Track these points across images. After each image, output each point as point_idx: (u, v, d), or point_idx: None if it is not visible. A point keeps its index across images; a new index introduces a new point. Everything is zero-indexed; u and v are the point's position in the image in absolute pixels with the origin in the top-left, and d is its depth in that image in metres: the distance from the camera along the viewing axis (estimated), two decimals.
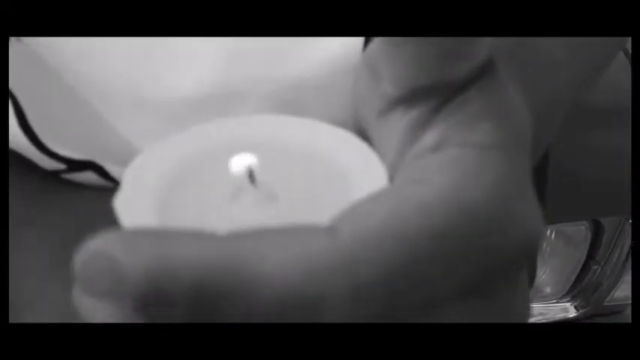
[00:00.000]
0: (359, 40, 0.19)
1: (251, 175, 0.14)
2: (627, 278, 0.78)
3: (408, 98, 0.13)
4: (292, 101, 0.20)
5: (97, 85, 0.20)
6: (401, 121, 0.14)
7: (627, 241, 0.73)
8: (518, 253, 0.12)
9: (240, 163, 0.14)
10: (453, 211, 0.11)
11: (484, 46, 0.13)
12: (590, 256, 0.77)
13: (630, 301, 0.88)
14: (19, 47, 0.20)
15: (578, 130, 0.71)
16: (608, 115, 0.69)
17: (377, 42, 0.14)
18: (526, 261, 0.13)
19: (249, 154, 0.15)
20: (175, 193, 0.14)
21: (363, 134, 0.15)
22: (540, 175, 0.37)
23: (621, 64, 0.68)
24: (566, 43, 0.23)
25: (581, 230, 0.75)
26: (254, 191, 0.14)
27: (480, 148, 0.12)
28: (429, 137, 0.13)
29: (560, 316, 0.83)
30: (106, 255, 0.10)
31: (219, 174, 0.14)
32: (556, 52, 0.23)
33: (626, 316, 0.90)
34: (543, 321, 0.83)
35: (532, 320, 0.86)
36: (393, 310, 0.11)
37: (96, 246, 0.10)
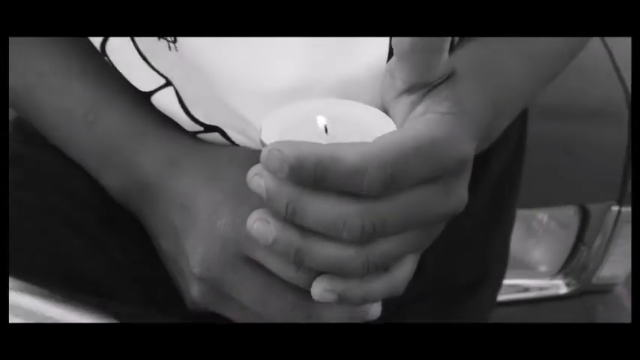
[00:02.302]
0: (385, 56, 0.32)
1: (325, 129, 0.27)
2: (611, 258, 0.88)
3: (409, 89, 0.26)
4: (342, 92, 0.32)
5: (224, 75, 0.32)
6: (405, 102, 0.26)
7: (610, 226, 0.83)
8: (457, 164, 0.25)
9: (320, 122, 0.27)
10: (427, 140, 0.24)
11: (449, 63, 0.26)
12: (579, 238, 0.86)
13: (616, 281, 0.97)
14: (173, 50, 0.32)
15: (573, 128, 0.82)
16: (598, 116, 0.79)
17: (393, 59, 0.27)
18: (463, 171, 0.25)
19: (325, 117, 0.27)
20: (286, 135, 0.26)
21: (385, 110, 0.28)
22: (518, 158, 0.48)
23: (608, 72, 0.78)
24: (523, 57, 0.35)
25: (571, 215, 0.84)
26: (326, 137, 0.27)
27: (443, 114, 0.25)
28: (419, 109, 0.25)
29: (552, 292, 0.93)
30: (277, 149, 0.23)
31: (309, 127, 0.27)
32: (513, 64, 0.35)
33: (616, 296, 0.99)
34: (538, 296, 0.94)
35: (528, 295, 0.96)
36: (393, 182, 0.23)
37: (272, 146, 0.23)
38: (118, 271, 0.33)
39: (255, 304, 0.28)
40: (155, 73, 0.33)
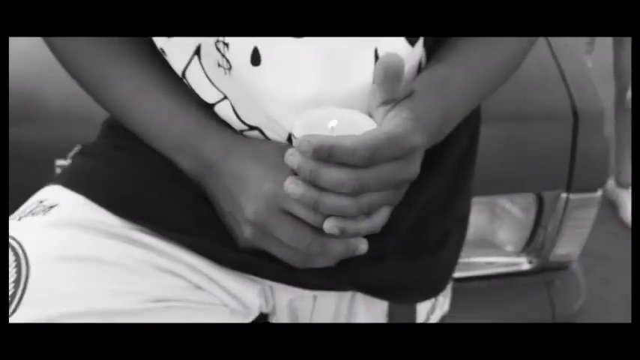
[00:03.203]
0: (370, 80, 0.47)
1: (332, 128, 0.43)
2: (564, 239, 1.01)
3: (384, 103, 0.42)
4: (343, 103, 0.47)
5: (262, 92, 0.45)
6: (383, 110, 0.42)
7: (561, 211, 0.96)
8: (411, 149, 0.40)
9: (330, 123, 0.43)
10: (393, 134, 0.39)
11: (410, 86, 0.42)
12: (537, 222, 0.99)
13: (570, 259, 1.11)
14: (228, 76, 0.48)
15: (529, 130, 0.96)
16: (548, 119, 0.95)
17: (373, 85, 0.43)
18: (415, 154, 0.41)
19: (332, 120, 0.43)
20: (308, 130, 0.42)
21: (370, 115, 0.44)
22: (472, 150, 0.62)
23: (558, 83, 0.94)
24: (467, 78, 0.50)
25: (530, 202, 0.97)
26: (331, 132, 0.43)
27: (404, 118, 0.41)
28: (390, 114, 0.41)
29: (517, 268, 1.04)
30: (306, 139, 0.38)
31: (321, 125, 0.43)
32: (459, 84, 0.50)
33: (571, 272, 1.12)
34: (505, 272, 1.07)
35: (497, 271, 1.10)
36: (373, 158, 0.38)
37: (303, 137, 0.39)
38: (203, 223, 0.49)
39: (288, 239, 0.43)
40: (217, 91, 0.48)
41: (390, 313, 0.60)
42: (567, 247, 1.03)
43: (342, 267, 0.49)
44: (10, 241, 0.42)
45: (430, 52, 0.50)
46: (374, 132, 0.40)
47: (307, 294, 0.54)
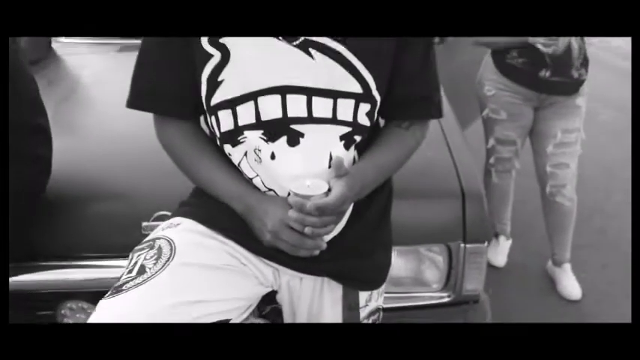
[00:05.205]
0: (328, 166, 0.99)
1: (308, 186, 0.95)
2: (469, 278, 1.37)
3: (335, 176, 0.94)
4: (315, 177, 0.97)
5: (276, 171, 0.95)
6: (334, 179, 0.94)
7: (462, 256, 1.35)
8: (345, 200, 0.91)
9: (306, 183, 0.95)
10: (339, 195, 0.90)
11: (347, 169, 0.95)
12: (450, 265, 1.38)
13: (477, 292, 1.48)
14: (259, 164, 1.00)
15: (435, 202, 1.40)
16: (446, 194, 1.42)
17: (330, 168, 0.96)
18: (346, 202, 0.92)
19: (309, 183, 0.95)
20: (298, 189, 0.94)
21: (328, 182, 0.96)
22: (388, 208, 1.12)
23: (450, 169, 1.43)
24: (374, 167, 1.03)
25: (442, 249, 1.38)
26: (308, 188, 0.95)
27: (342, 186, 0.91)
28: (337, 183, 0.92)
29: (440, 300, 1.42)
30: (298, 199, 0.90)
31: (304, 187, 0.95)
32: (369, 170, 1.03)
33: (481, 303, 1.45)
34: (432, 303, 1.42)
35: (426, 303, 1.42)
36: (327, 208, 0.90)
37: (296, 196, 0.90)
38: (244, 231, 0.98)
39: (289, 239, 0.92)
40: (253, 172, 1.00)
41: (344, 295, 1.07)
42: (473, 284, 1.43)
43: (317, 261, 0.98)
44: (164, 238, 0.94)
45: (360, 153, 1.01)
46: (330, 196, 0.89)
47: (296, 276, 1.03)
